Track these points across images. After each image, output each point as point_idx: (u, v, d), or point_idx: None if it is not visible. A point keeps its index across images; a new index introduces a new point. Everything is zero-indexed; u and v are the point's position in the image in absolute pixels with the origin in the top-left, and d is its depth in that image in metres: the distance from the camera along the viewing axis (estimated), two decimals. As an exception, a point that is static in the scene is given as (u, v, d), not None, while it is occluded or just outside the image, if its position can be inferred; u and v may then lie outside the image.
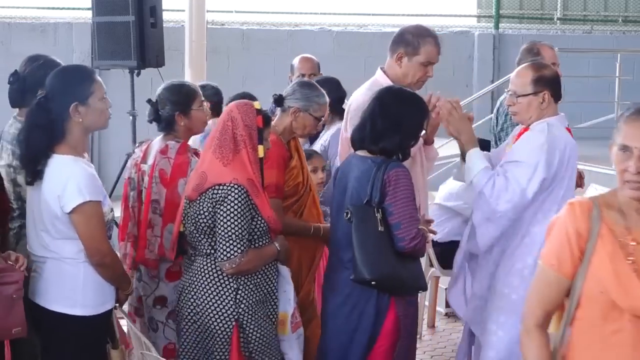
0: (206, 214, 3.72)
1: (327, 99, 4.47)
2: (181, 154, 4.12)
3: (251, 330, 3.74)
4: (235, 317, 3.72)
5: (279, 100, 4.33)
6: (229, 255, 3.67)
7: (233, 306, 3.72)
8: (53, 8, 11.78)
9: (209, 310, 3.74)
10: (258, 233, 3.76)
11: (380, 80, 4.48)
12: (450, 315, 6.54)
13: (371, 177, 3.83)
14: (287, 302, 3.89)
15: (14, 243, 3.96)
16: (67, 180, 3.54)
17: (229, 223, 3.66)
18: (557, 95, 4.15)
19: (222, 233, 3.67)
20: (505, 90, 4.30)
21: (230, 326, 3.72)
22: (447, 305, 6.18)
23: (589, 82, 11.57)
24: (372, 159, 3.92)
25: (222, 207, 3.67)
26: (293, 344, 3.91)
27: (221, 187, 3.68)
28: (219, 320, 3.73)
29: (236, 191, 3.67)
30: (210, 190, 3.71)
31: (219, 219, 3.68)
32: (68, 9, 11.75)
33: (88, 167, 3.66)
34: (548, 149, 4.02)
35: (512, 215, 4.05)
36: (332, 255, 4.09)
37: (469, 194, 4.42)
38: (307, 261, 4.37)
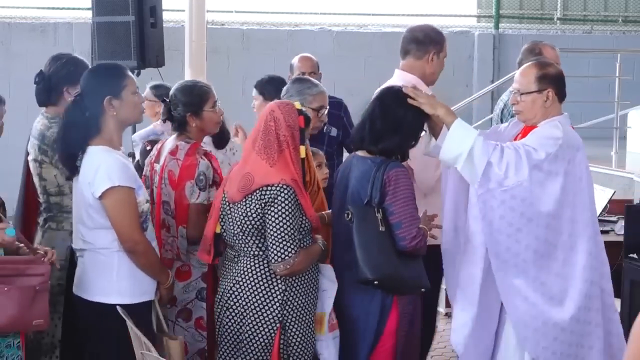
0: (254, 215, 3.69)
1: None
2: (190, 156, 4.11)
3: (293, 333, 3.73)
4: (280, 319, 3.71)
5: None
6: (283, 256, 3.64)
7: (279, 308, 3.70)
8: (53, 8, 11.79)
9: (254, 312, 3.72)
10: (303, 233, 3.75)
11: (410, 79, 4.49)
12: (451, 315, 6.52)
13: (371, 177, 3.82)
14: (326, 302, 3.88)
15: (40, 236, 4.07)
16: (97, 167, 3.61)
17: (280, 224, 3.64)
18: (561, 94, 4.06)
19: (275, 234, 3.65)
20: (510, 90, 4.23)
21: (274, 329, 3.71)
22: (447, 305, 6.17)
23: (589, 82, 11.57)
24: (372, 159, 3.91)
25: (272, 208, 3.65)
26: (329, 344, 3.88)
27: (270, 188, 3.66)
28: (263, 322, 3.71)
29: (285, 191, 3.65)
30: (258, 191, 3.68)
31: (269, 220, 3.66)
32: (68, 9, 11.75)
33: (121, 157, 3.73)
34: (562, 145, 3.91)
35: (513, 195, 3.82)
36: (335, 256, 4.08)
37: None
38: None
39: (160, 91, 5.64)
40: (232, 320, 3.78)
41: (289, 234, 3.64)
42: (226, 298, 3.80)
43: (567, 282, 3.90)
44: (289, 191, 3.65)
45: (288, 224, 3.64)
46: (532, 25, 13.10)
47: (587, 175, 4.01)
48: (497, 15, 12.74)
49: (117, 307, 3.67)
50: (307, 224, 3.75)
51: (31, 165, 4.19)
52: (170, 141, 4.29)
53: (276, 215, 3.64)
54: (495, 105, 5.90)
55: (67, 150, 3.71)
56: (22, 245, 3.71)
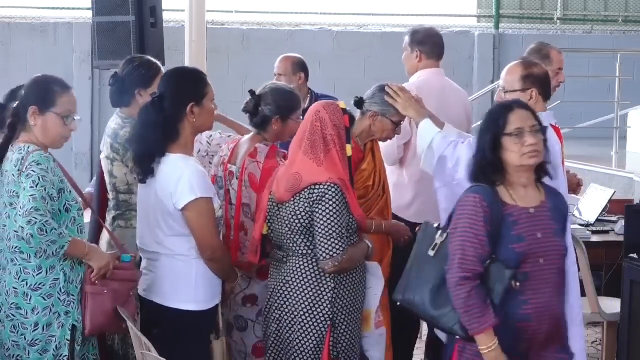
0: (303, 214, 3.71)
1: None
2: (270, 158, 4.10)
3: (342, 331, 3.75)
4: (331, 316, 3.72)
5: (359, 103, 4.37)
6: (331, 253, 3.66)
7: (329, 306, 3.72)
8: (53, 8, 11.80)
9: (305, 311, 3.73)
10: (350, 231, 3.75)
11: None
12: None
13: None
14: (373, 299, 3.89)
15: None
16: (179, 178, 3.63)
17: (328, 222, 3.66)
18: (545, 94, 4.13)
19: (323, 232, 3.67)
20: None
21: (325, 326, 3.72)
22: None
23: (589, 82, 11.57)
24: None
25: (320, 207, 3.67)
26: (375, 341, 3.91)
27: (318, 187, 3.68)
28: (314, 321, 3.72)
29: (333, 190, 3.67)
30: (306, 190, 3.71)
31: (317, 218, 3.68)
32: (68, 9, 11.76)
33: (198, 165, 3.75)
34: None
35: (464, 187, 3.72)
36: None
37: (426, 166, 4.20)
38: (375, 258, 4.25)
39: None
40: (283, 320, 3.79)
41: (337, 231, 3.66)
42: (276, 298, 3.82)
43: None
44: (336, 189, 3.67)
45: (336, 221, 3.67)
46: (532, 25, 13.10)
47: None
48: (497, 15, 12.74)
49: (118, 308, 3.69)
50: (353, 223, 3.75)
51: (103, 162, 4.26)
52: (245, 142, 4.23)
53: (324, 214, 3.67)
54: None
55: (144, 151, 3.71)
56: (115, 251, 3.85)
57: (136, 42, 7.04)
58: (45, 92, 3.67)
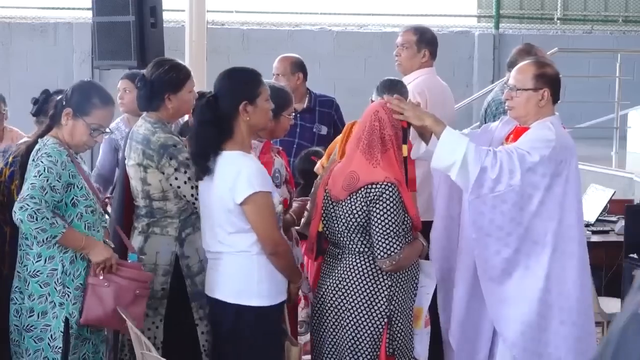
0: (359, 212, 3.74)
1: None
2: (264, 154, 4.12)
3: (398, 328, 3.79)
4: (388, 314, 3.76)
5: None
6: (389, 252, 3.71)
7: (386, 303, 3.76)
8: (53, 8, 11.80)
9: (362, 308, 3.76)
10: (406, 230, 3.80)
11: None
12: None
13: None
14: (424, 297, 3.93)
15: (142, 241, 4.07)
16: (237, 173, 3.67)
17: (386, 221, 3.70)
18: (555, 96, 4.05)
19: (380, 231, 3.71)
20: (502, 85, 4.23)
21: (382, 323, 3.75)
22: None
23: (589, 82, 11.58)
24: None
25: (377, 206, 3.71)
26: (423, 338, 3.95)
27: (375, 186, 3.72)
28: (371, 318, 3.76)
29: (390, 189, 3.71)
30: (363, 189, 3.74)
31: (374, 217, 3.72)
32: (68, 9, 11.76)
33: (256, 161, 3.80)
34: (555, 147, 3.88)
35: (504, 199, 3.84)
36: None
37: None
38: None
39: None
40: (338, 317, 3.81)
41: (394, 230, 3.71)
42: (331, 295, 3.84)
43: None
44: (393, 189, 3.71)
45: (393, 220, 3.71)
46: (532, 25, 13.11)
47: (577, 177, 3.99)
48: (497, 15, 12.74)
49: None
50: (409, 222, 3.80)
51: (132, 169, 4.13)
52: None
53: (382, 213, 3.70)
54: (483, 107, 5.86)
55: (200, 150, 3.75)
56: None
57: (136, 42, 7.04)
58: (85, 100, 3.81)
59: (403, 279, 3.81)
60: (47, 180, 3.62)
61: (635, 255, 4.91)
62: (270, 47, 11.15)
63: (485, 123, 5.45)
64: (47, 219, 3.57)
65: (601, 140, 10.25)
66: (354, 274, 3.79)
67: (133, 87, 4.98)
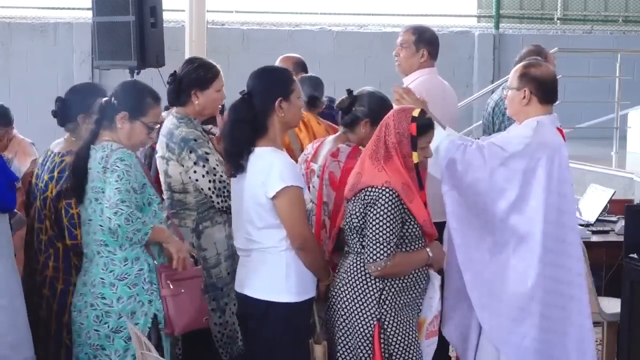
0: (357, 214, 3.76)
1: None
2: (351, 159, 4.13)
3: (393, 332, 3.75)
4: (378, 317, 3.74)
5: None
6: (374, 257, 3.70)
7: (376, 306, 3.75)
8: (53, 8, 11.79)
9: (354, 307, 3.77)
10: (410, 237, 3.76)
11: None
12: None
13: None
14: (429, 309, 3.90)
15: None
16: (270, 168, 3.72)
17: (377, 226, 3.69)
18: (543, 96, 4.16)
19: (371, 235, 3.70)
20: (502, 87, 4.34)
21: (372, 325, 3.74)
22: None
23: (589, 82, 11.58)
24: None
25: (372, 210, 3.70)
26: (424, 350, 3.89)
27: (373, 190, 3.72)
28: (362, 318, 3.76)
29: (387, 194, 3.69)
30: (363, 191, 3.75)
31: (368, 220, 3.72)
32: (68, 9, 11.76)
33: (288, 157, 3.85)
34: (530, 144, 4.03)
35: (476, 191, 4.03)
36: None
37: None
38: None
39: None
40: (338, 314, 3.83)
41: (384, 237, 3.68)
42: (334, 291, 3.86)
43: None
44: (391, 195, 3.69)
45: (385, 227, 3.69)
46: (532, 25, 13.10)
47: (554, 175, 4.06)
48: (497, 15, 12.74)
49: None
50: (414, 229, 3.76)
51: (158, 162, 4.30)
52: (329, 142, 4.31)
53: (375, 217, 3.69)
54: (486, 104, 5.88)
55: (234, 147, 3.80)
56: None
57: (136, 42, 7.04)
58: (139, 101, 3.88)
59: (399, 285, 3.77)
60: (129, 183, 3.71)
61: (635, 255, 4.90)
62: (270, 47, 11.15)
63: (493, 121, 5.52)
64: (140, 218, 3.70)
65: (601, 140, 10.25)
66: (350, 273, 3.80)
67: None
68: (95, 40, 7.43)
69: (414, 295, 3.82)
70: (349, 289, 3.79)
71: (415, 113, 3.82)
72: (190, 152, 4.13)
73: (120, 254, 3.76)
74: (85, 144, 3.86)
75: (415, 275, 3.81)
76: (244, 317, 3.92)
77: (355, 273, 3.79)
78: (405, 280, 3.79)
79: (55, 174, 4.08)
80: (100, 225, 3.75)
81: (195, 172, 4.13)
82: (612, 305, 5.26)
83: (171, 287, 3.75)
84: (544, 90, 4.16)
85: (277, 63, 5.96)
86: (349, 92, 4.26)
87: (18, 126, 5.92)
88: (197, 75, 4.31)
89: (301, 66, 5.95)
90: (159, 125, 4.01)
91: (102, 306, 3.76)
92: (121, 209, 3.64)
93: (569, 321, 4.07)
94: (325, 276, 3.91)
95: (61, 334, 4.08)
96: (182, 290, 3.78)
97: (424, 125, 3.83)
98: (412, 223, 3.75)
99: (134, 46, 7.06)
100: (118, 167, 3.71)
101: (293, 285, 3.77)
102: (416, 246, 3.80)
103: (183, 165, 4.17)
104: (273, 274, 3.77)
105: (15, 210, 4.15)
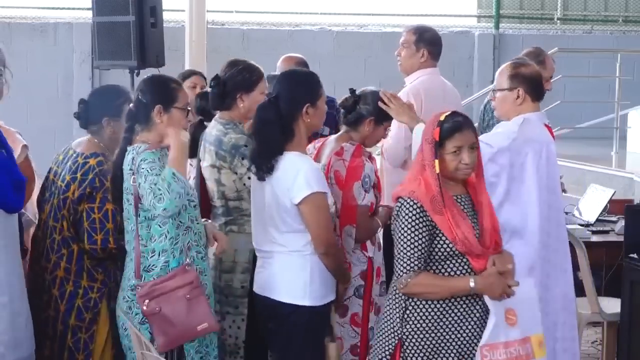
0: (392, 225, 3.59)
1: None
2: (356, 157, 4.12)
3: (411, 355, 3.44)
4: (399, 335, 3.46)
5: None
6: (399, 272, 3.43)
7: (399, 324, 3.46)
8: (53, 8, 11.80)
9: (383, 319, 3.57)
10: (439, 255, 3.41)
11: None
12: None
13: None
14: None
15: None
16: (296, 173, 3.70)
17: (400, 239, 3.42)
18: (534, 94, 4.23)
19: (396, 249, 3.46)
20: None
21: (393, 343, 3.47)
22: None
23: (589, 82, 11.58)
24: None
25: (396, 222, 3.46)
26: None
27: (399, 201, 3.47)
28: (386, 333, 3.51)
29: (408, 206, 3.41)
30: (396, 201, 3.51)
31: (394, 233, 3.50)
32: (68, 9, 11.76)
33: (314, 162, 3.86)
34: (516, 139, 4.08)
35: None
36: None
37: None
38: None
39: None
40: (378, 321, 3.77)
41: (405, 250, 3.40)
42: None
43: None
44: (412, 206, 3.39)
45: (405, 240, 3.40)
46: (533, 25, 13.10)
47: (550, 170, 4.14)
48: (497, 15, 12.74)
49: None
50: (443, 247, 3.40)
51: (207, 171, 4.21)
52: (332, 141, 4.29)
53: (398, 230, 3.44)
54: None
55: (263, 149, 3.77)
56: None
57: (136, 42, 7.05)
58: (165, 89, 3.83)
59: (427, 308, 3.43)
60: (155, 175, 3.62)
61: (635, 255, 4.90)
62: (270, 47, 11.15)
63: (484, 119, 5.56)
64: (175, 191, 3.57)
65: (601, 140, 10.25)
66: (392, 284, 3.57)
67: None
68: (95, 40, 7.44)
69: (452, 323, 3.43)
70: (387, 300, 3.59)
71: (443, 117, 3.48)
72: (243, 158, 4.07)
73: (149, 247, 3.69)
74: (120, 152, 3.79)
75: (458, 304, 3.44)
76: (265, 319, 3.86)
77: (393, 285, 3.56)
78: (434, 304, 3.43)
79: (79, 175, 4.03)
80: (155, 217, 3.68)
81: (249, 178, 4.03)
82: (612, 305, 5.27)
83: (145, 307, 3.60)
84: (535, 88, 4.24)
85: (279, 63, 5.96)
86: (352, 91, 4.24)
87: (18, 126, 5.90)
88: (243, 78, 4.23)
89: (303, 66, 5.95)
90: (189, 107, 3.92)
91: (132, 297, 3.70)
92: (161, 196, 3.55)
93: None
94: (345, 279, 3.91)
95: (66, 336, 4.04)
96: (157, 309, 3.59)
97: (447, 129, 3.44)
98: (441, 239, 3.40)
99: (134, 46, 7.06)
100: (143, 168, 3.65)
101: (316, 290, 3.75)
102: (450, 266, 3.43)
103: (237, 173, 4.11)
104: (297, 278, 3.75)
105: (23, 210, 4.11)
